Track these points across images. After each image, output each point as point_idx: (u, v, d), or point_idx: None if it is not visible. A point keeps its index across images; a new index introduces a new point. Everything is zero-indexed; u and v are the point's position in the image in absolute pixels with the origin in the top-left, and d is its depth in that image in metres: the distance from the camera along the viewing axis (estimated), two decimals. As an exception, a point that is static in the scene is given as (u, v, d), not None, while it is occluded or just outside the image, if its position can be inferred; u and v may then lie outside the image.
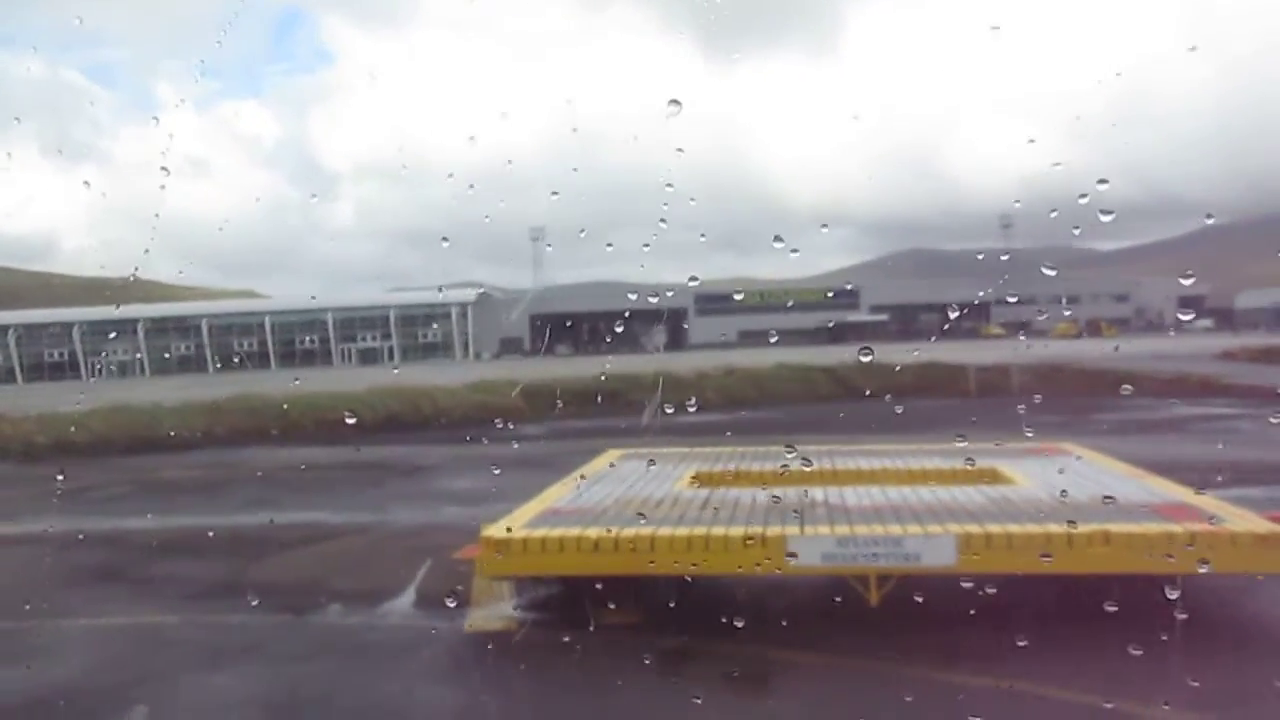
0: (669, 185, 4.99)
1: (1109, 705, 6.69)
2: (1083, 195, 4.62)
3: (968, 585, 8.41)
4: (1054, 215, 4.88)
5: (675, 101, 4.19)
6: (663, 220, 5.21)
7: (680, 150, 4.69)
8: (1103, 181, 4.22)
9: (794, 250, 6.60)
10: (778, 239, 6.07)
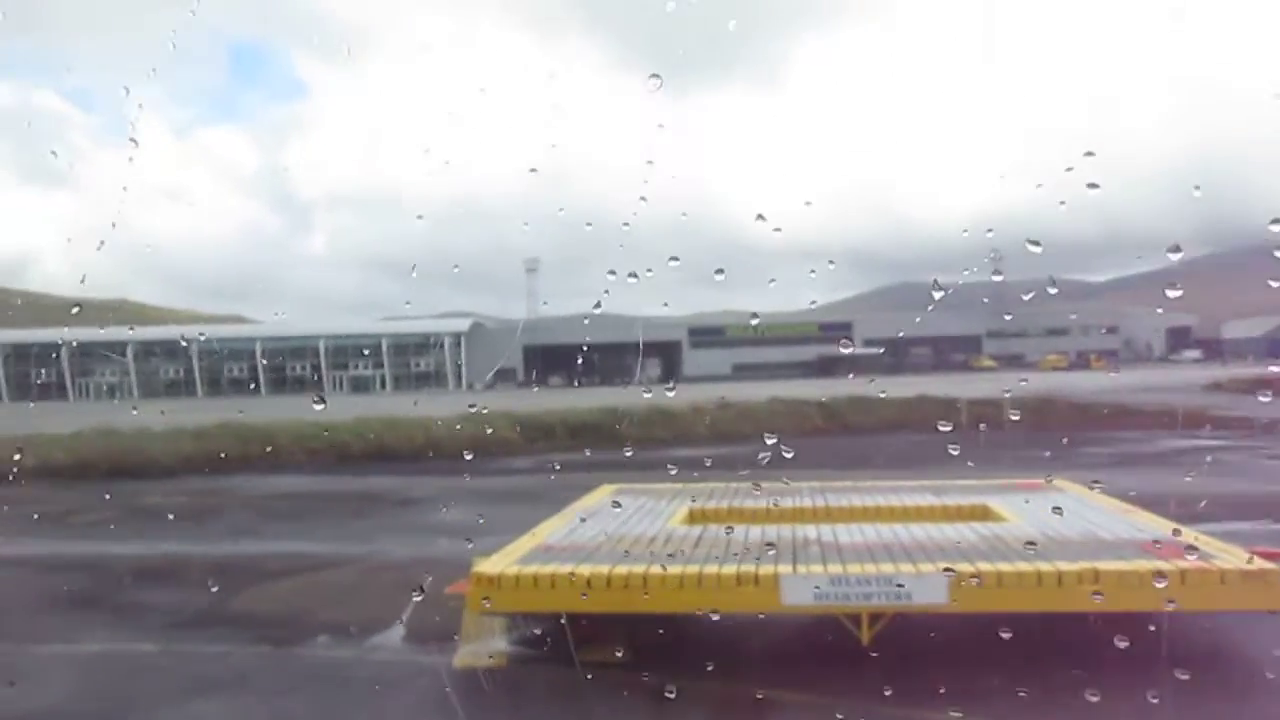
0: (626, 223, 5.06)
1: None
2: (1034, 242, 4.68)
3: (960, 624, 8.40)
4: (1038, 250, 4.90)
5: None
6: (647, 270, 5.25)
7: (643, 199, 4.79)
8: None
9: (771, 280, 6.72)
10: (719, 271, 6.18)
